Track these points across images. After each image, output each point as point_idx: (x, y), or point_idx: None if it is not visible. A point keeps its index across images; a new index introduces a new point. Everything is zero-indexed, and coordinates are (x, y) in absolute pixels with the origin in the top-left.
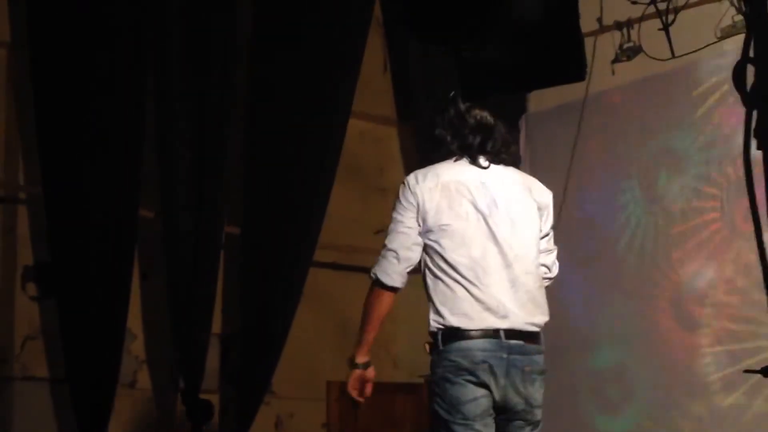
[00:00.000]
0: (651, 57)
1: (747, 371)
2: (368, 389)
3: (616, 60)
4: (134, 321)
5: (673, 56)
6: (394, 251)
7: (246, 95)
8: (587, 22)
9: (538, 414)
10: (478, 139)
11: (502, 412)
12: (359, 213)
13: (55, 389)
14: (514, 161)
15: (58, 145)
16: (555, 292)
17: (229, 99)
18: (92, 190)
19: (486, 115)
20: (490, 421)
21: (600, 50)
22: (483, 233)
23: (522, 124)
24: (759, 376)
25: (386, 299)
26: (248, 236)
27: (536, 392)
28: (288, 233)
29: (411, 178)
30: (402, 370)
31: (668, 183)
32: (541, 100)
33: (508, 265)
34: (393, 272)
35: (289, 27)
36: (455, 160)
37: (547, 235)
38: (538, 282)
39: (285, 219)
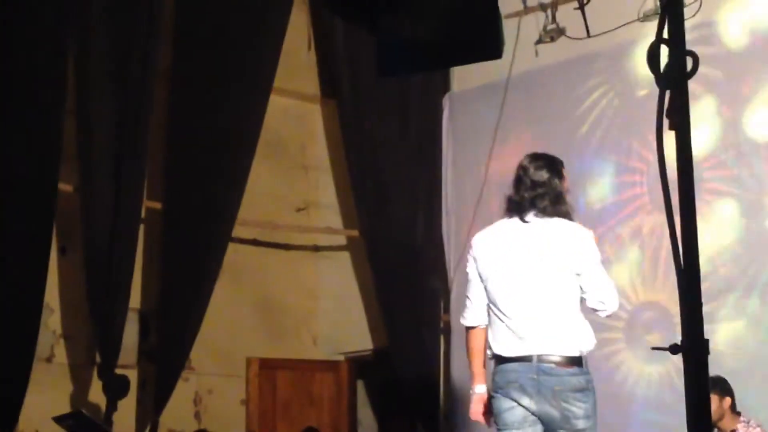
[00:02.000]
0: (571, 38)
1: (654, 348)
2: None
3: (539, 41)
4: (51, 295)
5: (588, 36)
6: (469, 298)
7: (168, 71)
8: (512, 3)
9: (580, 424)
10: (528, 196)
11: (545, 424)
12: (281, 190)
13: None
14: (562, 213)
15: None
16: None
17: (150, 74)
18: (11, 163)
19: (542, 174)
20: (531, 430)
21: (524, 31)
22: (521, 277)
23: (445, 103)
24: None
25: (476, 335)
26: (168, 211)
27: (572, 407)
28: (208, 208)
29: (475, 236)
30: (322, 348)
31: (591, 161)
32: (465, 80)
33: (541, 303)
34: (470, 315)
35: (211, 3)
36: (509, 218)
37: (593, 277)
38: (570, 315)
39: (205, 194)
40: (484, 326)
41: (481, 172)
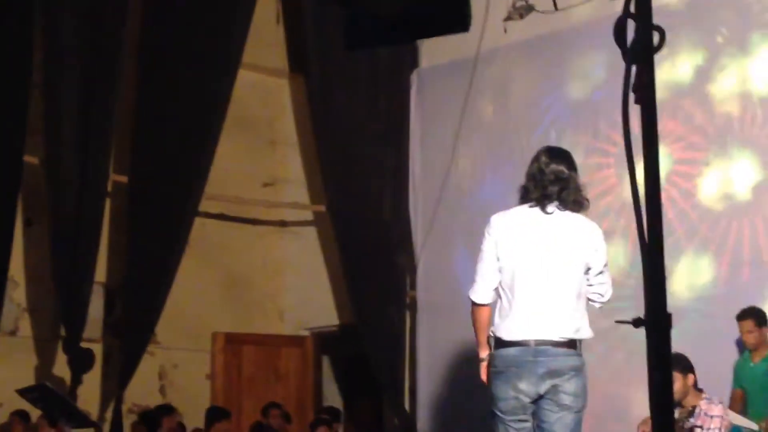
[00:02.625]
0: (539, 11)
1: (618, 321)
2: None
3: (508, 18)
4: (16, 268)
5: (556, 9)
6: (481, 275)
7: (136, 45)
8: None
9: (567, 400)
10: (552, 189)
11: (537, 403)
12: (248, 165)
13: None
14: (579, 203)
15: None
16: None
17: (118, 48)
18: None
19: (562, 168)
20: (523, 420)
21: (493, 8)
22: (534, 265)
23: (413, 79)
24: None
25: (483, 312)
26: (134, 185)
27: (564, 383)
28: (174, 183)
29: (494, 216)
30: (288, 323)
31: (559, 141)
32: (433, 56)
33: (551, 292)
34: (480, 292)
35: None
36: (530, 206)
37: (600, 272)
38: (574, 305)
39: (172, 168)
40: (490, 304)
41: (449, 148)
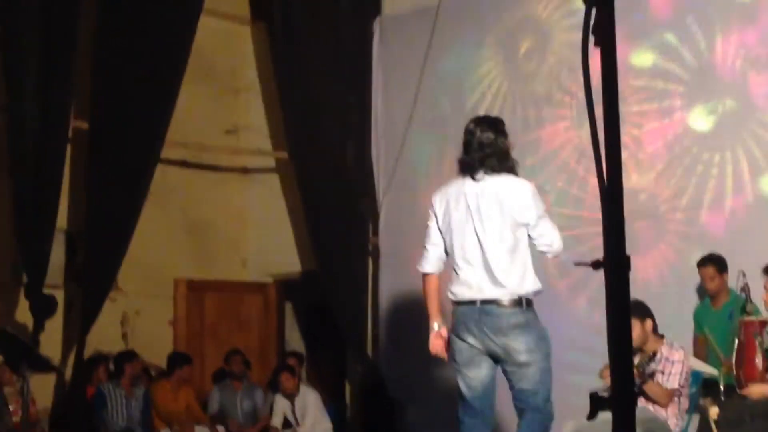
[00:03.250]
0: None
1: (577, 263)
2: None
3: None
4: None
5: None
6: (426, 249)
7: None
8: None
9: (522, 357)
10: (477, 157)
11: (495, 358)
12: (210, 112)
13: None
14: (503, 166)
15: None
16: (404, 182)
17: None
18: None
19: (488, 135)
20: (477, 367)
21: None
22: (468, 230)
23: (376, 27)
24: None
25: (431, 280)
26: (95, 131)
27: (512, 342)
28: (136, 129)
29: (433, 195)
30: (250, 270)
31: (522, 88)
32: (396, 4)
33: (484, 252)
34: (426, 263)
35: None
36: (463, 177)
37: (536, 225)
38: (510, 264)
39: (133, 115)
40: (437, 274)
41: (412, 96)
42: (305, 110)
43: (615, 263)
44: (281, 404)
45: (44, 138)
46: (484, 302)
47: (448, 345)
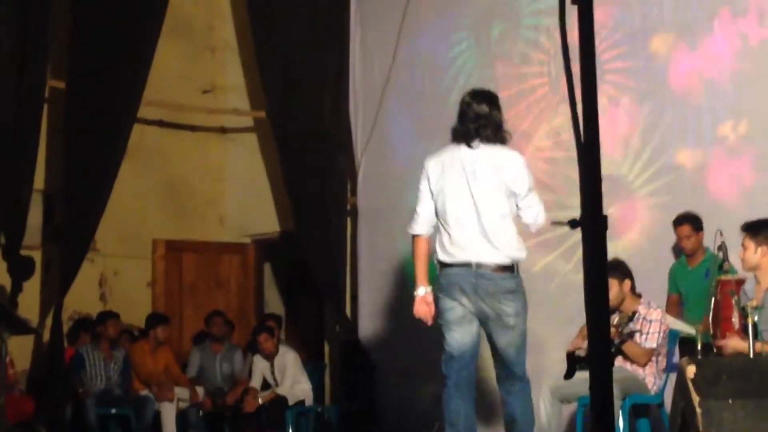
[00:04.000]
0: None
1: (554, 223)
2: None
3: None
4: None
5: None
6: (417, 212)
7: None
8: None
9: (511, 321)
10: (473, 127)
11: (481, 321)
12: (187, 71)
13: None
14: (502, 140)
15: None
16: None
17: None
18: None
19: (483, 107)
20: (468, 325)
21: None
22: (462, 194)
23: None
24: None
25: (421, 242)
26: (72, 91)
27: (504, 306)
28: (112, 89)
29: (426, 160)
30: (229, 230)
31: (499, 46)
32: None
33: (479, 216)
34: (417, 225)
35: None
36: (457, 144)
37: (525, 196)
38: (503, 229)
39: (110, 74)
40: (428, 236)
41: (389, 54)
42: (283, 70)
43: (592, 222)
44: (260, 365)
45: (21, 98)
46: (480, 265)
47: (435, 306)
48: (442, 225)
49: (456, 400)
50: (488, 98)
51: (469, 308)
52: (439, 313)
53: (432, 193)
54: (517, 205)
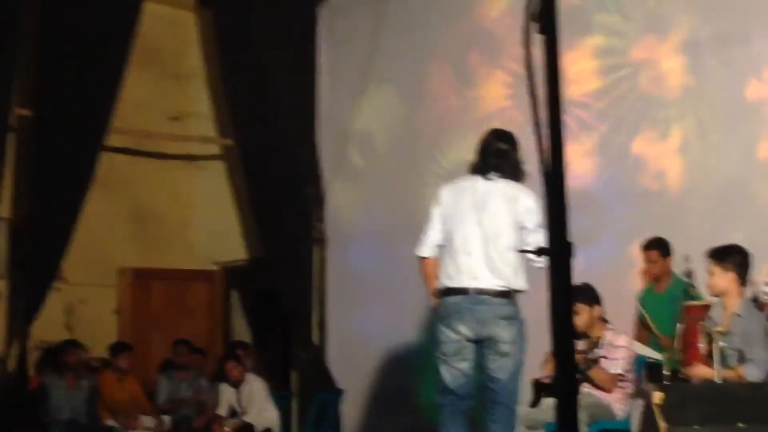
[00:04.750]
0: None
1: (520, 251)
2: None
3: None
4: None
5: None
6: (427, 234)
7: None
8: None
9: (506, 348)
10: (493, 162)
11: (479, 346)
12: (155, 98)
13: None
14: (516, 175)
15: None
16: (350, 169)
17: None
18: None
19: (504, 145)
20: (464, 360)
21: None
22: (472, 221)
23: (322, 11)
24: None
25: (426, 264)
26: (39, 119)
27: (501, 331)
28: (80, 116)
29: (440, 188)
30: (197, 257)
31: (472, 68)
32: None
33: (485, 244)
34: (424, 248)
35: None
36: (474, 175)
37: (534, 231)
38: (507, 258)
39: (77, 102)
40: (434, 258)
41: (357, 81)
42: (251, 97)
43: (558, 250)
44: (227, 393)
45: None
46: (479, 291)
47: (436, 335)
48: (448, 249)
49: (451, 429)
50: (509, 139)
51: (467, 335)
52: (436, 344)
53: (442, 219)
54: (524, 241)
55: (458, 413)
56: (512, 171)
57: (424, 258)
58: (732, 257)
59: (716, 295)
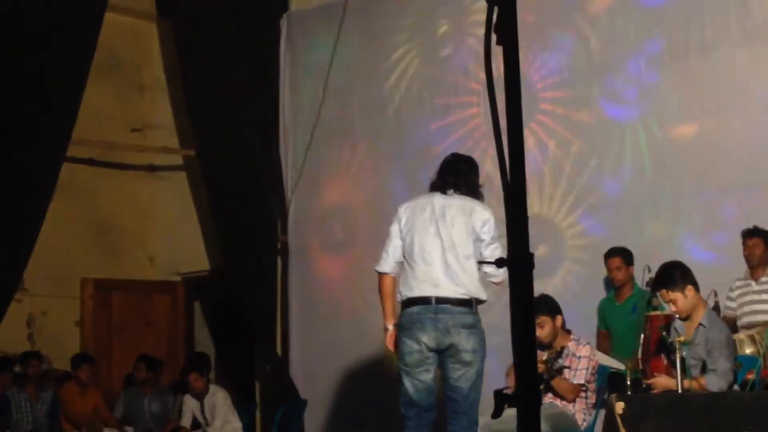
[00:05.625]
0: None
1: (480, 263)
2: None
3: None
4: None
5: None
6: (386, 251)
7: None
8: None
9: (467, 357)
10: (452, 180)
11: (440, 358)
12: (116, 110)
13: None
14: (473, 194)
15: None
16: (313, 180)
17: None
18: None
19: (463, 166)
20: (426, 371)
21: None
22: (431, 234)
23: (283, 23)
24: None
25: (384, 280)
26: (1, 129)
27: (462, 341)
28: (41, 127)
29: (401, 205)
30: (158, 268)
31: (431, 81)
32: (303, 0)
33: (444, 253)
34: (384, 264)
35: None
36: (432, 191)
37: (490, 244)
38: (466, 267)
39: (38, 112)
40: (393, 275)
41: (319, 92)
42: (212, 108)
43: (518, 261)
44: (190, 404)
45: None
46: (440, 300)
47: (397, 347)
48: (408, 262)
49: None
50: (468, 161)
51: (429, 345)
52: (399, 355)
53: (401, 234)
54: (481, 253)
55: (423, 426)
56: (469, 189)
57: (383, 274)
58: (682, 277)
59: (688, 317)
